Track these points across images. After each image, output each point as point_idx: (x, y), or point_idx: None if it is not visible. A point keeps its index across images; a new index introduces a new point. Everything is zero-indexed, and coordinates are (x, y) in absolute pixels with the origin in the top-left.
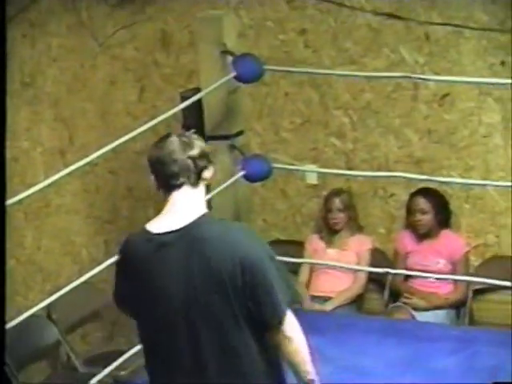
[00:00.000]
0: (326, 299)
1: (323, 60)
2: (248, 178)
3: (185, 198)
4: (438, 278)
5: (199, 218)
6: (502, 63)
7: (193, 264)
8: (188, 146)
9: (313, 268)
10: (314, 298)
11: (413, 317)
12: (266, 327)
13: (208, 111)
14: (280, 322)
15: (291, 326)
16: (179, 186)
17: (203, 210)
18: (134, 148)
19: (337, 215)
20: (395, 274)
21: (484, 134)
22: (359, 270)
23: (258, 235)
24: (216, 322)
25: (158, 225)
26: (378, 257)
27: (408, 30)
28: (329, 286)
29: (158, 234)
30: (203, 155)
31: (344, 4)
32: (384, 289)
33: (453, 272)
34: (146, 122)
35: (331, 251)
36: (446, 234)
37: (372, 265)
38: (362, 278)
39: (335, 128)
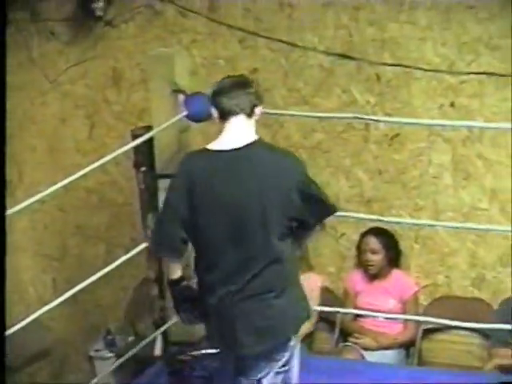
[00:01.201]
0: None
1: (275, 99)
2: None
3: (241, 124)
4: (387, 318)
5: (256, 141)
6: (452, 104)
7: (252, 176)
8: (246, 85)
9: None
10: None
11: (362, 357)
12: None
13: (159, 149)
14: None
15: None
16: (237, 113)
17: (256, 136)
18: (83, 185)
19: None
20: (345, 313)
21: (434, 175)
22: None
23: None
24: (267, 229)
25: (219, 145)
26: (328, 296)
27: (359, 71)
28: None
29: (221, 151)
30: (257, 94)
31: (296, 44)
32: (334, 328)
33: (403, 312)
34: (95, 160)
35: None
36: (396, 273)
37: (322, 304)
38: (313, 316)
39: None
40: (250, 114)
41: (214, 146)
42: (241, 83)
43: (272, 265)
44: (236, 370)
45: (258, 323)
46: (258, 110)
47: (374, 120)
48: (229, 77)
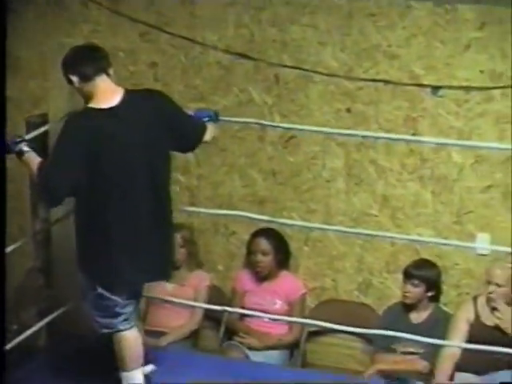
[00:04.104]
0: (161, 334)
1: (172, 95)
2: None
3: (108, 82)
4: (273, 319)
5: (125, 93)
6: (348, 110)
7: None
8: (99, 49)
9: (149, 302)
10: (149, 332)
11: (247, 356)
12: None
13: (53, 139)
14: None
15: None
16: (101, 74)
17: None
18: None
19: (176, 250)
20: (231, 312)
21: (327, 178)
22: (196, 306)
23: None
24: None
25: (97, 104)
26: (215, 294)
27: (258, 71)
28: (165, 320)
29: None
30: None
31: (196, 41)
32: (220, 326)
33: (289, 313)
34: None
35: (169, 286)
36: (284, 275)
37: (209, 302)
38: (199, 314)
39: (180, 164)
40: (109, 74)
41: (96, 104)
42: (94, 48)
43: None
44: None
45: None
46: (111, 71)
47: (272, 125)
48: (78, 46)
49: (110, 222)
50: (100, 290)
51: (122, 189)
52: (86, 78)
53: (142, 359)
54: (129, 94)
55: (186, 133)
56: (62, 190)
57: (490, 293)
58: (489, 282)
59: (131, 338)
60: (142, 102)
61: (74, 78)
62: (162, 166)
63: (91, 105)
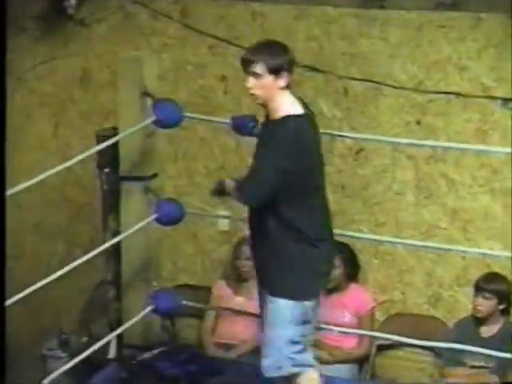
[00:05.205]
0: (230, 346)
1: (242, 108)
2: (160, 221)
3: None
4: (342, 332)
5: None
6: (418, 122)
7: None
8: None
9: (219, 315)
10: (218, 344)
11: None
12: None
13: (124, 152)
14: None
15: None
16: None
17: None
18: (45, 182)
19: (245, 263)
20: None
21: (397, 191)
22: None
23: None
24: None
25: (301, 109)
26: None
27: (327, 84)
28: (234, 333)
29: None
30: None
31: None
32: None
33: (358, 326)
34: (59, 158)
35: (238, 299)
36: (353, 287)
37: None
38: None
39: None
40: None
41: (299, 110)
42: None
43: None
44: None
45: None
46: None
47: (340, 135)
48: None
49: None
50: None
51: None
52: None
53: None
54: None
55: None
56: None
57: None
58: None
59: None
60: None
61: (285, 76)
62: None
63: (297, 111)
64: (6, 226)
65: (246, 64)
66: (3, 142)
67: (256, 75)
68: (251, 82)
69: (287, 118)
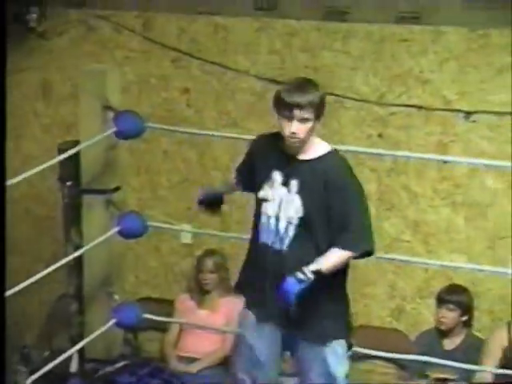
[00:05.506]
0: (193, 360)
1: (205, 121)
2: (122, 234)
3: None
4: None
5: None
6: (380, 135)
7: None
8: None
9: (181, 328)
10: (181, 358)
11: None
12: None
13: (85, 165)
14: None
15: None
16: None
17: None
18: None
19: (208, 276)
20: None
21: None
22: (228, 332)
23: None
24: None
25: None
26: None
27: None
28: (197, 346)
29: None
30: None
31: (228, 67)
32: None
33: None
34: (21, 171)
35: (201, 312)
36: None
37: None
38: (230, 340)
39: None
40: None
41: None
42: None
43: None
44: None
45: None
46: None
47: None
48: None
49: None
50: None
51: None
52: None
53: None
54: None
55: None
56: None
57: None
58: None
59: None
60: None
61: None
62: None
63: (328, 146)
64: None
65: (292, 108)
66: (3, 142)
67: (303, 120)
68: (297, 127)
69: (332, 153)
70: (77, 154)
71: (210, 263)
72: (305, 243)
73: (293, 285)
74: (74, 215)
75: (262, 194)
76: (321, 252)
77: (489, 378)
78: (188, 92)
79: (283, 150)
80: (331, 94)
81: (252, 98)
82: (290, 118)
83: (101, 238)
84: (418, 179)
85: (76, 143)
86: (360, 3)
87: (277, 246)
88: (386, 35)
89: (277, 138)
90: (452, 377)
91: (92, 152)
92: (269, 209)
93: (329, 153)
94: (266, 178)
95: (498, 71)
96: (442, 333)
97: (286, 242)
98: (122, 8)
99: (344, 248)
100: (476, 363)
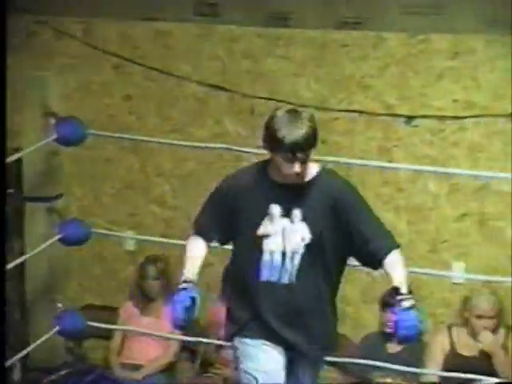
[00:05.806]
0: (137, 367)
1: (148, 127)
2: (65, 241)
3: None
4: None
5: None
6: (323, 141)
7: None
8: None
9: (125, 335)
10: (125, 365)
11: None
12: None
13: (27, 172)
14: None
15: None
16: None
17: None
18: None
19: (151, 283)
20: (208, 343)
21: None
22: (172, 339)
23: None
24: None
25: None
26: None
27: (232, 102)
28: (141, 353)
29: None
30: None
31: (171, 73)
32: (196, 358)
33: None
34: None
35: (145, 319)
36: None
37: (185, 334)
38: (175, 346)
39: (155, 195)
40: None
41: None
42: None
43: None
44: None
45: None
46: None
47: (244, 152)
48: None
49: None
50: None
51: None
52: None
53: None
54: None
55: None
56: None
57: (473, 325)
58: (475, 315)
59: None
60: None
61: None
62: None
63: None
64: None
65: (295, 151)
66: (3, 142)
67: (306, 159)
68: (300, 167)
69: (324, 171)
70: (19, 162)
71: (153, 270)
72: (312, 270)
73: (415, 316)
74: (15, 223)
75: (262, 230)
76: (330, 273)
77: (432, 381)
78: (130, 98)
79: (273, 181)
80: (274, 100)
81: (195, 104)
82: (292, 160)
83: (43, 246)
84: (360, 184)
85: (17, 151)
86: (302, 9)
87: (284, 280)
88: (327, 41)
89: (261, 169)
90: (395, 380)
91: (34, 159)
92: (271, 244)
93: (321, 171)
94: (261, 213)
95: (438, 76)
96: (385, 336)
97: (294, 273)
98: (62, 14)
99: (392, 248)
100: (420, 367)
